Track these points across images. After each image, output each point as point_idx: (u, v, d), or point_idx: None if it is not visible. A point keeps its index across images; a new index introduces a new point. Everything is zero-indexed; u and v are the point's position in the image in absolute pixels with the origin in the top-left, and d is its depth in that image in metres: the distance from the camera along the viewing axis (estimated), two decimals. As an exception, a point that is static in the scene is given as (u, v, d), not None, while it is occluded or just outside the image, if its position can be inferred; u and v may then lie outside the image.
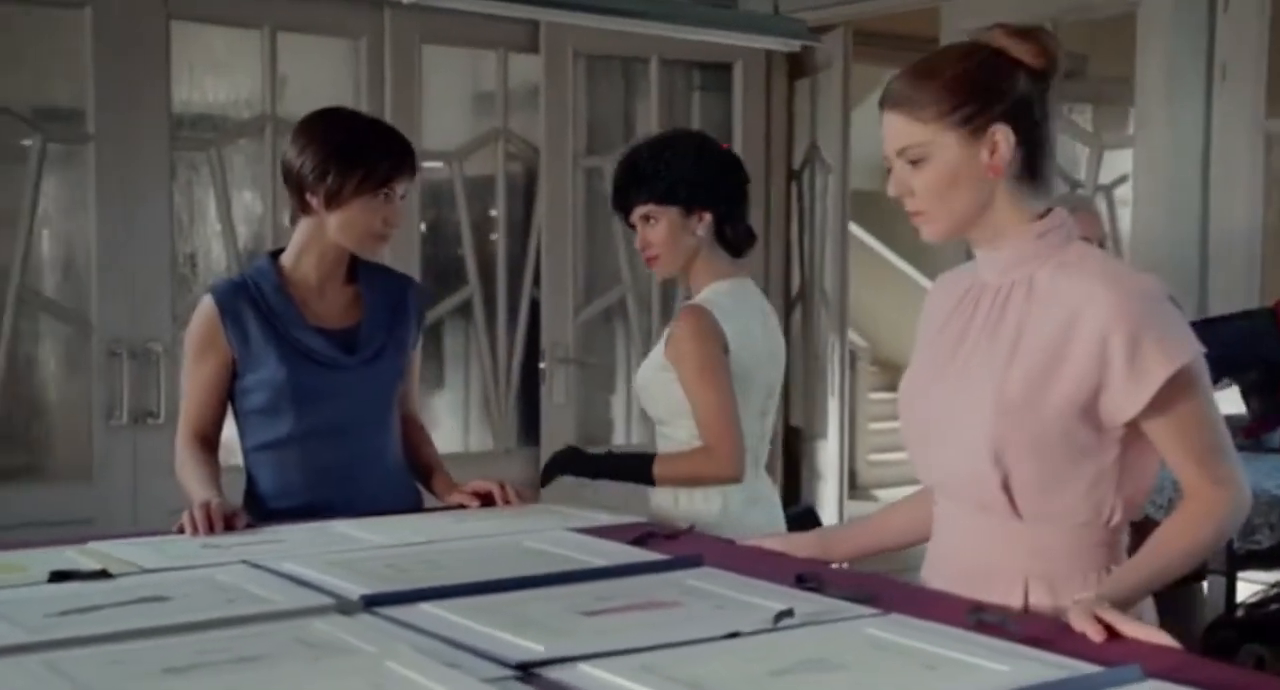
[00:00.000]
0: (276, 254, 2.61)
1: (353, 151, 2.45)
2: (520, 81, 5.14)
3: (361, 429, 2.53)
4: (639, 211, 2.72)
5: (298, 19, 4.70)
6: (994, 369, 1.82)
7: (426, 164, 4.97)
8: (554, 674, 1.46)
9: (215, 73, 4.70)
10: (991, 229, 1.86)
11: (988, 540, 1.88)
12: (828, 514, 5.46)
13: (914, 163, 1.83)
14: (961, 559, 1.92)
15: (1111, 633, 1.61)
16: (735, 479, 2.64)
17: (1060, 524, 1.83)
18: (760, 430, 2.74)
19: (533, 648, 1.54)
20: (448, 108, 5.10)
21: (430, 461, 2.71)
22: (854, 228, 6.44)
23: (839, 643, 1.59)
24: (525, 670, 1.48)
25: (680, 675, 1.44)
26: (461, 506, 2.56)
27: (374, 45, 4.82)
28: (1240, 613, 3.52)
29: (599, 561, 2.00)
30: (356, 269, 2.63)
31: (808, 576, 1.89)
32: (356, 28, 4.80)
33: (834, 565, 2.17)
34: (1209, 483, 1.79)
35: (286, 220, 2.85)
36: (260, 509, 2.50)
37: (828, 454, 5.59)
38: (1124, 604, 1.68)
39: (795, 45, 5.50)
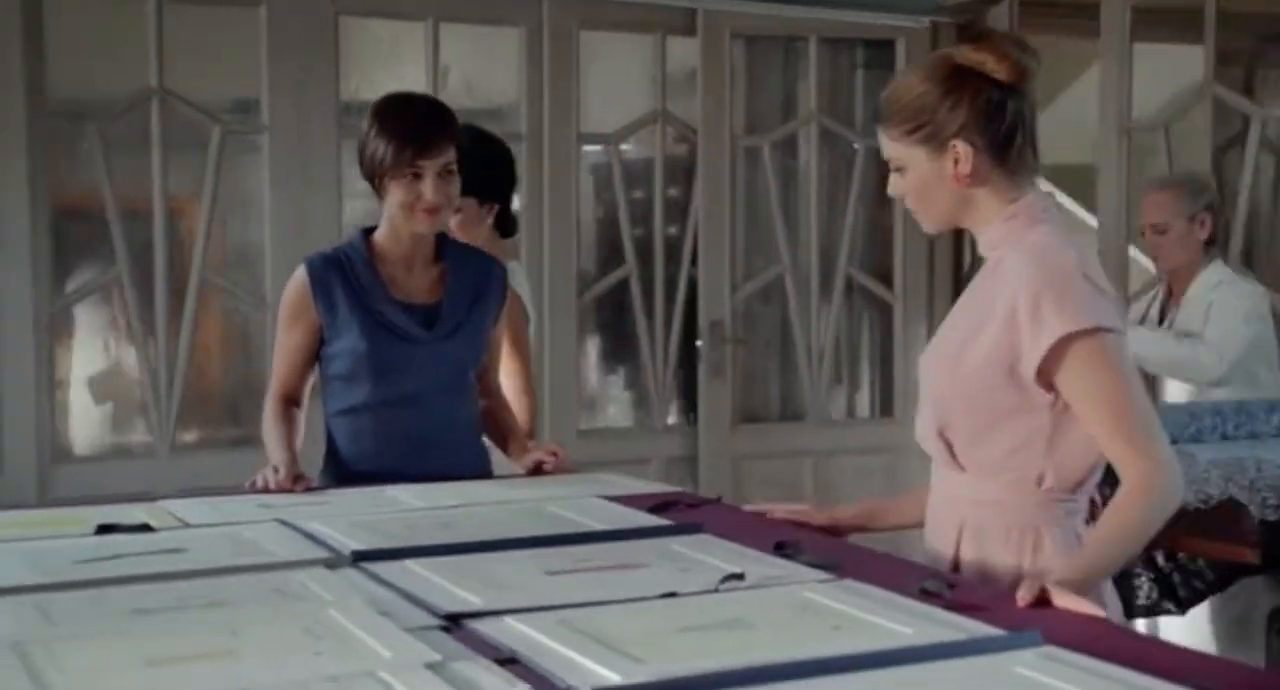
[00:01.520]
0: (370, 230, 2.76)
1: (380, 136, 2.59)
2: (678, 64, 5.22)
3: (434, 400, 2.67)
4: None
5: (460, 10, 4.90)
6: (955, 334, 2.03)
7: (586, 148, 5.13)
8: (477, 624, 1.56)
9: (381, 64, 4.95)
10: (976, 217, 2.05)
11: (941, 491, 2.10)
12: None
13: (898, 171, 2.05)
14: (931, 511, 2.13)
15: (1047, 603, 1.68)
16: None
17: (993, 478, 1.99)
18: None
19: (470, 600, 1.65)
20: (606, 92, 5.22)
21: (507, 430, 2.83)
22: (1066, 200, 6.32)
23: (766, 604, 1.64)
24: (453, 620, 1.58)
25: (590, 629, 1.52)
26: (531, 473, 2.67)
27: (533, 33, 4.98)
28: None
29: (601, 526, 2.10)
30: (445, 249, 2.77)
31: (787, 544, 1.94)
32: (516, 16, 4.97)
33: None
34: (1132, 458, 1.88)
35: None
36: (338, 471, 2.68)
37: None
38: (1078, 584, 1.76)
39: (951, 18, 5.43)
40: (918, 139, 1.99)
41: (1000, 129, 1.98)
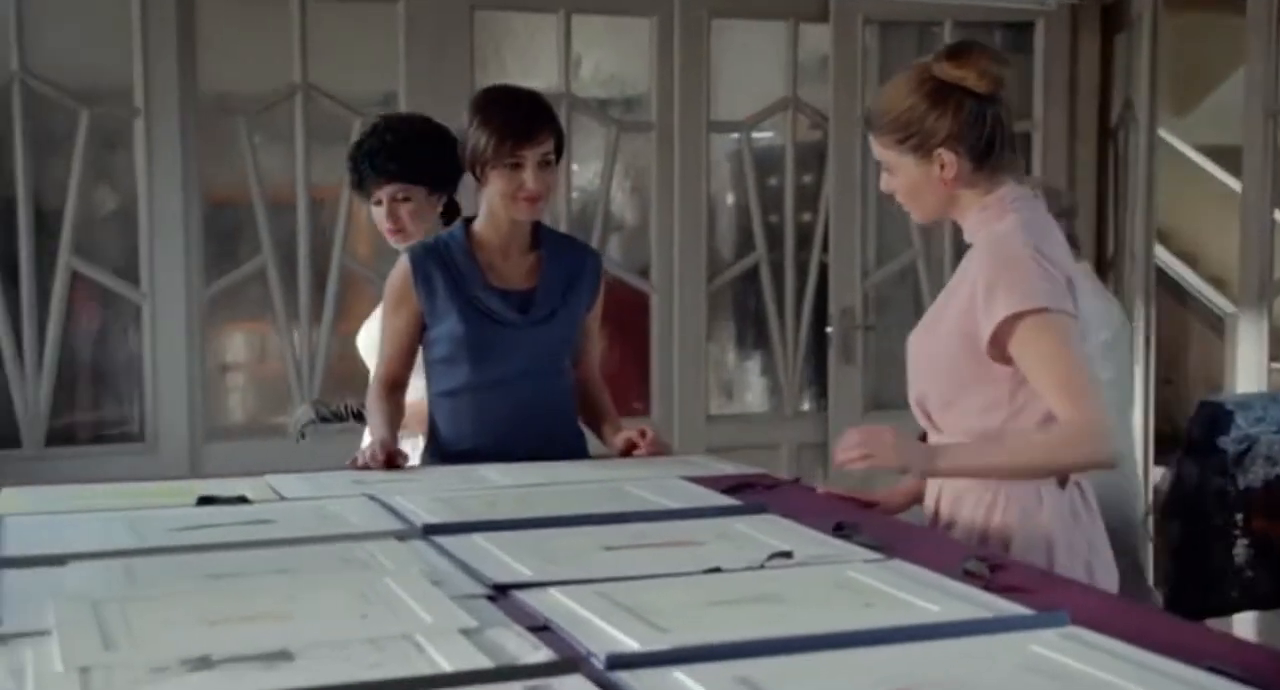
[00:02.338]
0: (470, 220, 2.86)
1: (482, 128, 2.67)
2: (810, 51, 5.23)
3: (529, 383, 2.75)
4: (390, 190, 3.02)
5: (591, 1, 4.99)
6: (933, 313, 2.30)
7: (719, 136, 5.18)
8: (522, 595, 1.63)
9: (514, 55, 5.06)
10: (960, 211, 2.26)
11: None
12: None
13: (889, 171, 2.26)
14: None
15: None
16: None
17: (963, 440, 2.19)
18: None
19: (520, 571, 1.72)
20: (737, 80, 5.26)
21: (602, 413, 2.90)
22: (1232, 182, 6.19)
23: (805, 582, 1.68)
24: (500, 590, 1.66)
25: (626, 601, 1.58)
26: (623, 454, 2.74)
27: (664, 22, 5.04)
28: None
29: (671, 505, 2.15)
30: (541, 237, 2.85)
31: (845, 525, 1.97)
32: (647, 6, 5.04)
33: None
34: (1067, 412, 2.08)
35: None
36: (440, 451, 2.78)
37: (1134, 423, 5.39)
38: (952, 470, 2.16)
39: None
40: (906, 147, 2.20)
41: (981, 136, 2.18)
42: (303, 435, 3.19)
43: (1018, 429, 2.15)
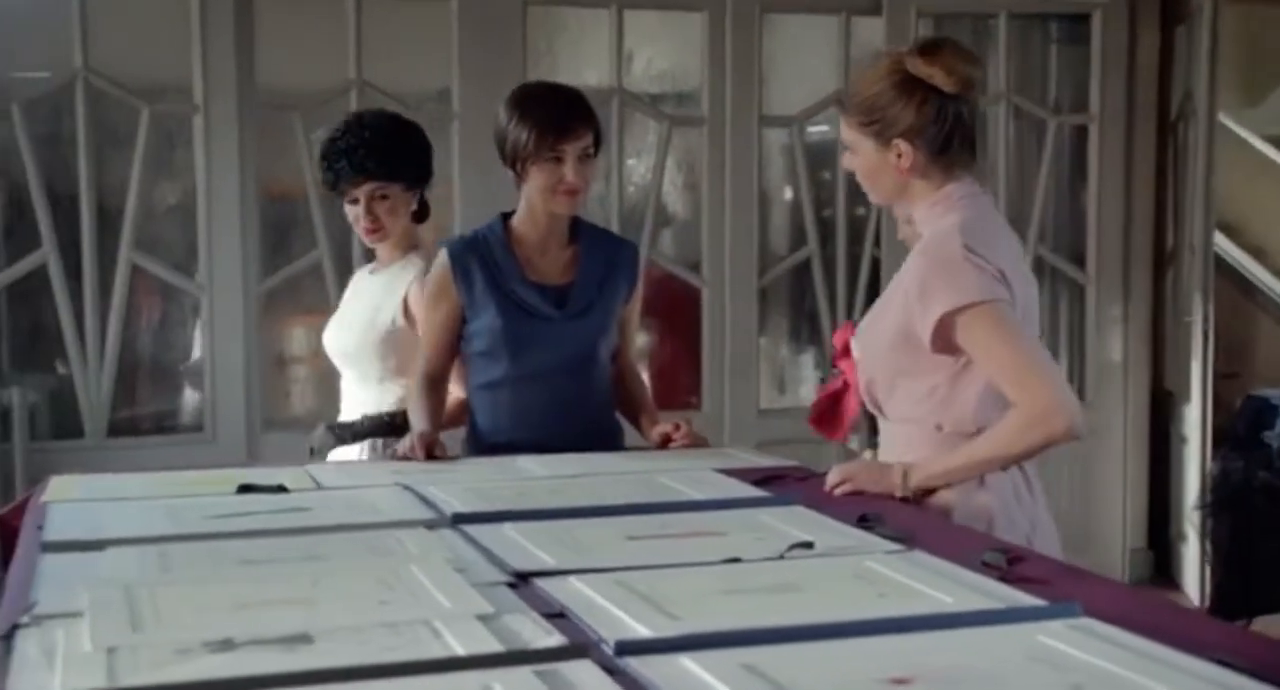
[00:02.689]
0: (509, 215, 2.89)
1: (521, 123, 2.69)
2: (862, 45, 5.22)
3: (566, 376, 2.78)
4: (369, 188, 2.98)
5: (644, -4, 5.02)
6: (878, 305, 2.37)
7: (772, 130, 5.18)
8: (542, 582, 1.66)
9: (566, 50, 5.10)
10: (912, 201, 2.34)
11: (881, 436, 2.42)
12: (1192, 477, 5.25)
13: (851, 151, 2.33)
14: (881, 456, 2.41)
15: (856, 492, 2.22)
16: None
17: (906, 423, 2.31)
18: None
19: (543, 560, 1.75)
20: (789, 74, 5.26)
21: (639, 405, 2.93)
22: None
23: (823, 572, 1.70)
24: (522, 578, 1.68)
25: (643, 589, 1.61)
26: (659, 446, 2.76)
27: (716, 16, 5.05)
28: None
29: (699, 496, 2.17)
30: (579, 232, 2.88)
31: (870, 516, 1.98)
32: (700, 1, 5.05)
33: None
34: (1020, 396, 2.16)
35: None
36: (477, 442, 2.82)
37: (1191, 418, 5.35)
38: (930, 478, 2.22)
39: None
40: (869, 132, 2.28)
41: (940, 133, 2.25)
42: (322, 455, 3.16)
43: (985, 436, 2.22)
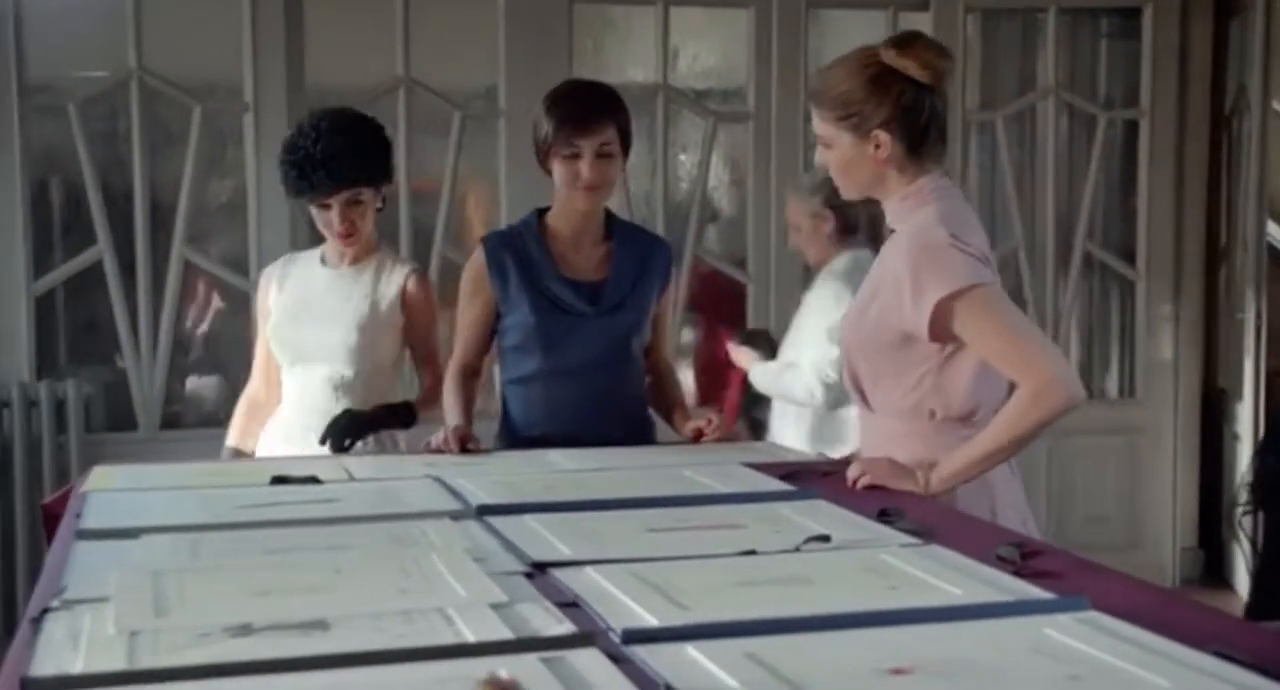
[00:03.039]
0: (544, 211, 2.92)
1: (546, 120, 2.74)
2: (909, 40, 5.20)
3: (598, 371, 2.81)
4: (346, 195, 2.95)
5: (690, -8, 5.04)
6: (861, 297, 2.40)
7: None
8: (558, 572, 1.69)
9: (613, 48, 5.13)
10: (884, 192, 2.38)
11: (865, 429, 2.47)
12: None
13: (826, 146, 2.37)
14: (862, 447, 2.48)
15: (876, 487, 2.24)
16: None
17: (894, 415, 2.35)
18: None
19: (560, 551, 1.78)
20: (835, 69, 5.24)
21: (672, 401, 2.95)
22: None
23: (836, 565, 1.71)
24: (539, 568, 1.71)
25: (657, 581, 1.63)
26: (693, 441, 2.79)
27: (762, 12, 5.06)
28: None
29: (722, 490, 2.19)
30: (614, 229, 2.91)
31: (890, 510, 1.99)
32: (745, -4, 5.06)
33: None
34: (1022, 377, 2.22)
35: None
36: (511, 436, 2.85)
37: (1243, 416, 5.30)
38: (947, 475, 2.24)
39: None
40: (847, 124, 2.32)
41: (917, 123, 2.30)
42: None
43: (995, 422, 2.27)
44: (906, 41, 2.31)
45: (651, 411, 2.96)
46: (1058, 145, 5.35)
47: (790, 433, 3.69)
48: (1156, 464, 5.45)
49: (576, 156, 2.73)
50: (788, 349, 3.81)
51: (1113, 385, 5.65)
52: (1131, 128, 5.45)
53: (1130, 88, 5.41)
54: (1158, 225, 5.40)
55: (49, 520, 2.40)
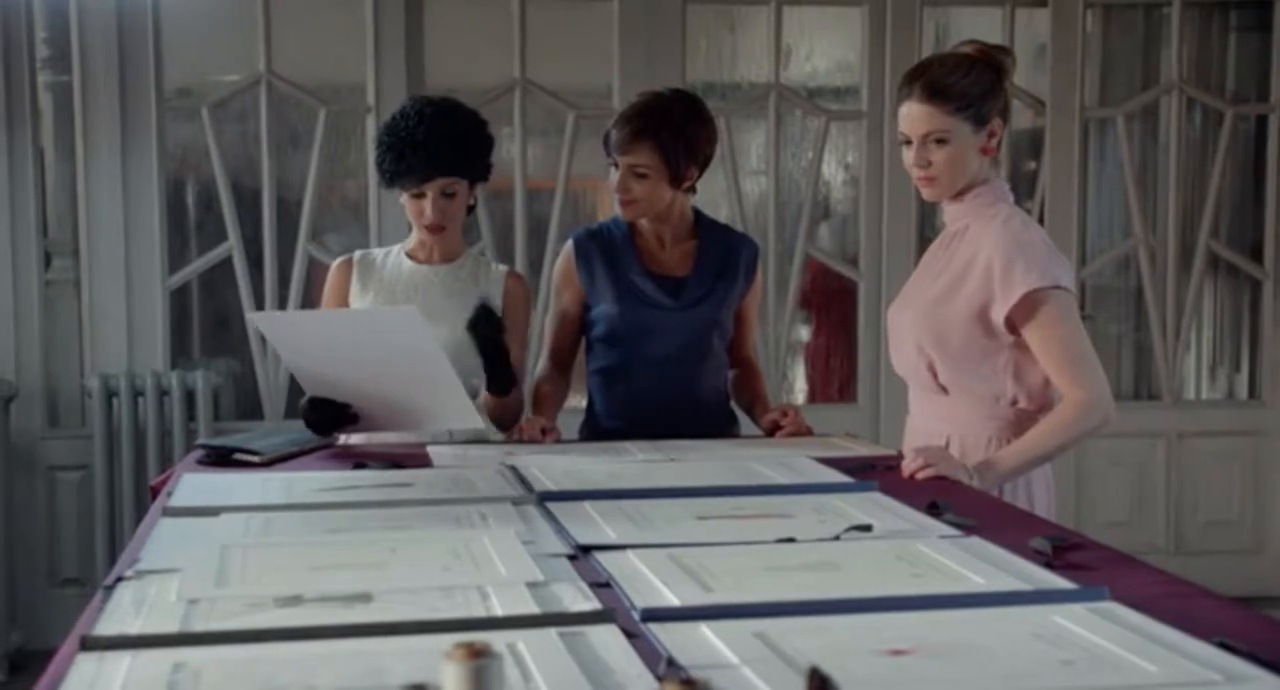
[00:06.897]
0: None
1: (608, 130, 2.87)
2: (1027, 37, 5.16)
3: (678, 364, 2.88)
4: (441, 183, 2.84)
5: (804, -9, 5.06)
6: (929, 288, 2.54)
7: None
8: (601, 555, 1.76)
9: (726, 48, 5.17)
10: (969, 185, 2.52)
11: (926, 410, 2.60)
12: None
13: (938, 142, 2.48)
14: (915, 427, 2.62)
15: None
16: None
17: (971, 399, 2.51)
18: None
19: (606, 535, 1.84)
20: (950, 67, 5.22)
21: (754, 396, 3.00)
22: None
23: (868, 553, 1.75)
24: (584, 551, 1.78)
25: (690, 564, 1.69)
26: (769, 434, 2.84)
27: (876, 11, 5.05)
28: None
29: (781, 481, 2.24)
30: (701, 226, 2.97)
31: (940, 503, 2.02)
32: (860, -5, 5.07)
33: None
34: (1069, 388, 2.43)
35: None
36: (593, 426, 2.94)
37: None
38: (1003, 472, 2.39)
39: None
40: (969, 115, 2.48)
41: (1007, 113, 2.55)
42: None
43: (1042, 426, 2.45)
44: (996, 45, 2.56)
45: (734, 406, 3.02)
46: (1181, 142, 5.24)
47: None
48: (1280, 467, 5.32)
49: (616, 168, 2.87)
50: None
51: (1239, 387, 5.52)
52: (1261, 123, 5.32)
53: (1260, 82, 5.29)
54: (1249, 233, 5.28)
55: (155, 499, 2.54)
